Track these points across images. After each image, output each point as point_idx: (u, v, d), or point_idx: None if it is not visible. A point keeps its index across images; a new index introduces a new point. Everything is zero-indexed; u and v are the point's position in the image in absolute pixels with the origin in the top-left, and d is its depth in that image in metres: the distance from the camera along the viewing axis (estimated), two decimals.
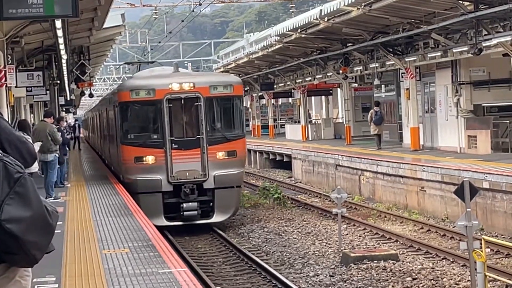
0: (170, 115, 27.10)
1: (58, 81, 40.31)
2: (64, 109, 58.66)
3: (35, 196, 5.47)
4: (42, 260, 14.58)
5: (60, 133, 26.79)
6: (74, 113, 72.59)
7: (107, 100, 42.29)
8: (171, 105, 27.05)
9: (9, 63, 28.27)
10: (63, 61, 35.81)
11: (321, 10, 40.00)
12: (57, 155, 25.23)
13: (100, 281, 11.92)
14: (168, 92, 27.34)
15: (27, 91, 33.33)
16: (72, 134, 54.54)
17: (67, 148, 32.46)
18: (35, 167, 22.22)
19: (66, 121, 49.28)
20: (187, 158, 27.44)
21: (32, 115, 43.72)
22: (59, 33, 25.81)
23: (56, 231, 16.40)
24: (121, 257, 13.86)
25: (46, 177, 24.28)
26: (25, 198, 5.48)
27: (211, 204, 28.24)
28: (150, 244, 15.03)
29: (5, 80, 26.47)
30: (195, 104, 27.52)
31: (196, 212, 27.14)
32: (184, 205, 27.18)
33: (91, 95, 55.05)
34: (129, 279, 12.02)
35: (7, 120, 5.69)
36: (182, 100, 27.53)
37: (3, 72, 26.37)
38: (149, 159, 27.27)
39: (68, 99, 54.90)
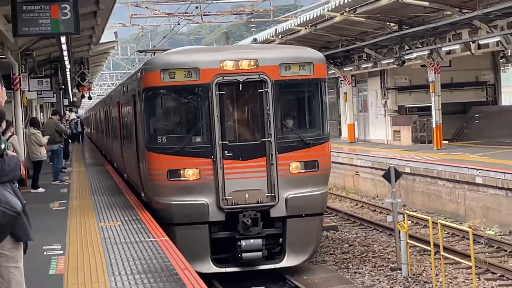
0: (222, 107, 14.12)
1: (63, 86, 40.01)
2: (68, 109, 58.21)
3: None
4: (51, 230, 14.48)
5: (62, 125, 26.73)
6: (76, 112, 71.88)
7: (117, 91, 27.39)
8: (223, 92, 14.10)
9: (23, 71, 28.08)
10: (67, 70, 35.58)
11: (276, 29, 39.85)
12: (61, 146, 25.06)
13: (97, 248, 11.88)
14: (219, 73, 14.12)
15: (37, 94, 32.93)
16: (75, 130, 54.37)
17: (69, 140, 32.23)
18: (44, 156, 22.07)
19: (66, 119, 48.78)
20: (246, 173, 14.18)
21: (41, 113, 43.29)
22: (64, 47, 25.66)
23: (61, 208, 16.29)
24: (114, 228, 13.82)
25: (53, 164, 24.15)
26: None
27: (280, 240, 14.54)
28: (138, 218, 15.00)
29: (20, 85, 26.36)
30: (259, 91, 14.19)
31: (260, 253, 13.96)
32: (243, 242, 13.86)
33: (89, 98, 55.68)
34: (121, 246, 11.99)
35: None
36: (240, 85, 14.21)
37: (18, 79, 26.24)
38: (190, 174, 14.09)
39: (71, 100, 54.63)
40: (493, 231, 19.69)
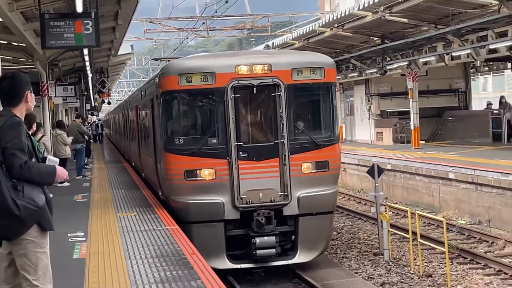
0: (237, 110, 13.30)
1: (85, 93, 40.11)
2: (89, 112, 58.19)
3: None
4: (75, 219, 14.40)
5: (85, 127, 26.86)
6: (97, 116, 71.91)
7: (135, 96, 26.28)
8: (238, 95, 13.28)
9: (50, 79, 28.16)
10: (89, 78, 35.67)
11: (273, 43, 39.87)
12: (84, 145, 25.14)
13: (116, 235, 11.89)
14: (234, 77, 13.32)
15: (63, 100, 32.93)
16: (96, 131, 54.50)
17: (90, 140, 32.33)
18: (68, 154, 22.15)
19: (88, 122, 48.80)
20: (260, 173, 13.38)
21: (66, 116, 43.29)
22: (86, 58, 25.67)
23: (83, 200, 16.27)
24: (131, 218, 13.82)
25: (77, 161, 24.28)
26: None
27: (292, 237, 13.74)
28: (152, 209, 15.00)
29: (47, 92, 26.43)
30: (272, 94, 13.35)
31: (274, 250, 13.16)
32: (257, 240, 13.04)
33: (109, 103, 55.91)
34: (136, 233, 12.02)
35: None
36: (254, 89, 13.31)
37: (46, 86, 26.29)
38: (206, 174, 13.27)
39: (93, 105, 54.69)
40: (464, 220, 19.70)
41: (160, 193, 16.10)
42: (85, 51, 23.31)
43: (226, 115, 13.12)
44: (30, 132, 5.99)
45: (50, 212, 5.68)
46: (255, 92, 13.27)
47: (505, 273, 14.29)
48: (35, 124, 14.96)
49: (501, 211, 18.58)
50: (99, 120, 70.25)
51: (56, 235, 5.94)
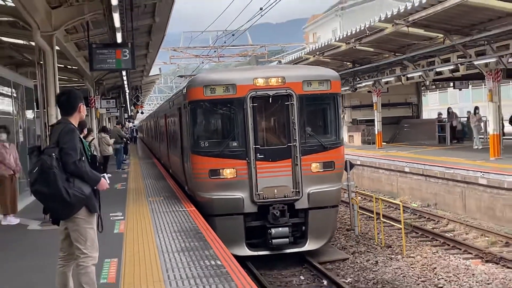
0: (255, 117, 12.52)
1: (124, 105, 40.08)
2: (127, 120, 58.11)
3: (51, 180, 5.41)
4: (116, 202, 14.37)
5: (123, 131, 27.14)
6: (133, 122, 71.91)
7: (163, 106, 25.25)
8: (255, 104, 12.50)
9: (96, 94, 28.20)
10: (127, 94, 35.69)
11: (280, 61, 39.85)
12: (122, 145, 25.32)
13: (146, 215, 11.92)
14: (252, 88, 12.55)
15: (106, 110, 32.90)
16: (131, 135, 54.57)
17: (128, 142, 32.46)
18: (111, 152, 22.20)
19: (126, 127, 48.82)
20: (275, 172, 12.64)
21: (109, 123, 43.25)
22: (124, 78, 25.73)
23: (122, 188, 16.19)
24: (159, 202, 13.85)
25: (117, 157, 24.38)
26: (45, 180, 5.46)
27: (303, 228, 12.94)
28: (175, 195, 15.04)
29: (94, 104, 26.49)
30: (286, 103, 12.54)
31: (287, 239, 12.53)
32: (273, 230, 12.34)
33: (142, 113, 56.32)
34: (162, 214, 12.05)
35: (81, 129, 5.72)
36: (270, 99, 12.54)
37: (93, 100, 26.36)
38: (228, 173, 12.53)
39: (129, 114, 54.55)
40: (416, 204, 19.71)
41: (186, 188, 15.04)
42: (124, 73, 23.39)
43: (246, 122, 12.17)
44: (81, 136, 6.04)
45: (98, 199, 5.73)
46: (270, 101, 12.34)
47: (448, 245, 14.33)
48: (87, 129, 15.08)
49: (445, 197, 18.61)
50: (134, 126, 70.24)
51: (102, 215, 5.97)
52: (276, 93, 12.34)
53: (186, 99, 12.99)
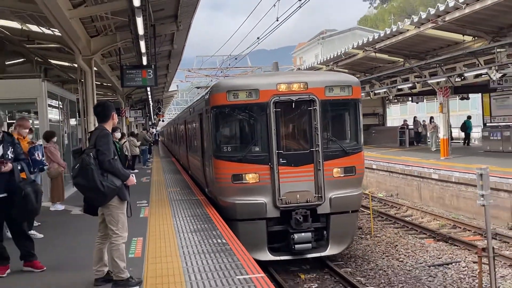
0: (277, 122, 10.24)
1: (148, 114, 40.04)
2: (151, 126, 58.08)
3: (89, 175, 5.43)
4: (142, 192, 14.23)
5: (148, 135, 27.14)
6: (155, 128, 71.92)
7: (181, 115, 23.08)
8: (278, 109, 10.23)
9: (126, 106, 28.21)
10: (150, 106, 35.65)
11: (298, 68, 39.53)
12: (147, 147, 25.35)
13: (166, 203, 11.89)
14: (275, 93, 10.24)
15: (134, 119, 32.92)
16: (154, 138, 54.56)
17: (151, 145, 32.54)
18: (138, 152, 22.22)
19: (150, 132, 48.84)
20: (297, 177, 10.30)
21: (137, 129, 43.22)
22: (149, 93, 25.70)
23: (147, 181, 15.95)
24: (176, 192, 13.82)
25: (143, 156, 24.37)
26: (84, 175, 5.47)
27: (324, 232, 10.58)
28: (189, 186, 15.01)
29: (125, 114, 26.47)
30: (309, 108, 10.32)
31: (310, 244, 10.11)
32: (296, 236, 10.00)
33: (163, 121, 56.19)
34: (179, 201, 12.00)
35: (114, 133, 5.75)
36: (293, 104, 10.28)
37: (123, 110, 26.40)
38: (251, 178, 10.16)
39: (153, 122, 54.55)
40: (382, 194, 19.72)
41: (206, 190, 12.72)
42: (148, 89, 23.36)
43: (269, 126, 10.04)
44: (114, 139, 6.05)
45: (127, 190, 5.74)
46: (293, 106, 10.17)
47: (407, 227, 14.31)
48: (120, 134, 15.16)
49: (405, 188, 18.61)
50: (156, 131, 70.24)
51: (130, 202, 5.97)
52: (299, 98, 10.17)
53: (209, 104, 10.70)
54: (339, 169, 10.22)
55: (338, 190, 10.13)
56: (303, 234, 9.89)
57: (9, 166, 6.03)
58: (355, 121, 10.77)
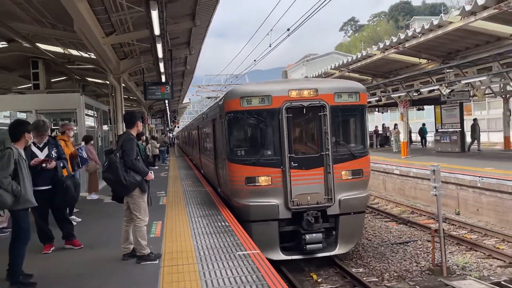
0: (289, 127, 8.26)
1: (166, 122, 40.03)
2: (168, 132, 58.06)
3: (115, 171, 5.43)
4: (161, 185, 14.09)
5: (166, 138, 27.06)
6: (172, 133, 71.91)
7: (196, 120, 20.87)
8: (290, 115, 8.29)
9: (148, 115, 28.14)
10: (168, 115, 35.59)
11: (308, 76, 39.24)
12: (165, 148, 25.26)
13: (180, 193, 11.84)
14: (287, 99, 8.32)
15: (155, 125, 33.03)
16: (171, 141, 54.47)
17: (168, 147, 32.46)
18: (158, 152, 22.16)
19: (168, 136, 48.76)
20: (309, 179, 8.36)
21: (157, 133, 43.15)
22: (166, 104, 25.64)
23: (164, 175, 15.72)
24: (188, 184, 13.77)
25: (162, 156, 24.29)
26: (111, 171, 5.47)
27: (333, 232, 8.70)
28: (199, 180, 14.97)
29: (147, 121, 26.38)
30: (319, 114, 8.39)
31: (321, 244, 8.26)
32: (307, 236, 8.20)
33: (178, 127, 56.06)
34: (190, 192, 11.94)
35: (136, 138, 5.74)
36: (304, 109, 8.37)
37: (146, 119, 26.30)
38: (264, 181, 8.25)
39: (170, 128, 54.47)
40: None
41: (219, 190, 11.16)
42: (166, 101, 23.33)
43: (281, 131, 8.54)
44: (140, 142, 6.08)
45: (147, 184, 5.74)
46: (304, 112, 8.68)
47: (374, 213, 14.20)
48: (146, 138, 15.16)
49: (373, 181, 18.48)
50: (173, 135, 70.18)
51: (151, 193, 5.98)
52: (310, 104, 8.68)
53: (223, 110, 9.14)
54: (347, 172, 8.78)
55: (346, 192, 8.68)
56: (314, 234, 8.47)
57: (53, 163, 6.18)
58: (362, 126, 9.26)
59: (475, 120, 21.80)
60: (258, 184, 8.49)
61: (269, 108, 8.56)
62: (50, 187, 6.17)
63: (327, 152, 8.56)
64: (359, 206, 8.83)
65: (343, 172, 8.67)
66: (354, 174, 8.77)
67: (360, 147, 9.04)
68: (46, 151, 6.29)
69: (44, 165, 6.08)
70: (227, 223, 7.76)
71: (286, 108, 8.51)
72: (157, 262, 5.56)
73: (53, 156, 6.30)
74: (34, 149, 6.22)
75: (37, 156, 6.18)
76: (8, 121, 12.31)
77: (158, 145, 22.26)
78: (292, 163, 8.49)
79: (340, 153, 8.72)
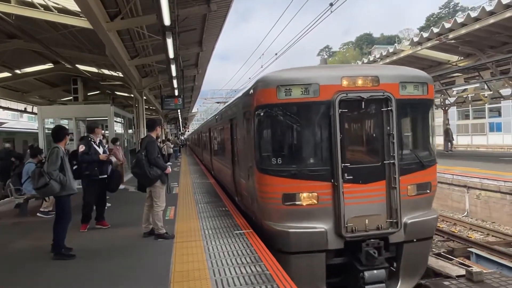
0: (343, 127, 3.30)
1: (178, 127, 39.93)
2: (180, 135, 57.91)
3: (142, 167, 5.47)
4: (175, 178, 13.82)
5: (178, 141, 26.95)
6: (183, 136, 71.84)
7: (207, 122, 15.21)
8: (345, 110, 3.27)
9: (165, 121, 28.05)
10: (180, 121, 35.55)
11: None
12: (178, 148, 25.19)
13: (190, 185, 11.75)
14: (340, 89, 3.25)
15: (169, 130, 32.92)
16: (182, 143, 54.25)
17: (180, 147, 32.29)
18: (171, 151, 22.06)
19: (180, 139, 48.55)
20: (366, 197, 3.53)
21: (171, 136, 42.98)
22: (179, 113, 25.60)
23: (177, 170, 15.39)
24: (197, 178, 13.67)
25: (175, 155, 24.22)
26: (139, 167, 5.50)
27: (393, 264, 3.63)
28: (205, 175, 14.86)
29: (163, 127, 26.28)
30: (382, 109, 3.32)
31: (384, 284, 3.34)
32: (366, 274, 3.38)
33: (188, 131, 56.08)
34: (198, 184, 11.83)
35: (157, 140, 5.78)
36: (363, 103, 3.28)
37: (163, 124, 26.15)
38: (307, 198, 3.47)
39: (181, 132, 54.35)
40: None
41: (236, 199, 7.57)
42: (178, 111, 23.28)
43: (333, 133, 4.89)
44: (158, 143, 6.15)
45: (167, 177, 5.79)
46: (363, 106, 4.97)
47: None
48: (162, 140, 15.07)
49: None
50: (184, 138, 70.02)
51: (169, 184, 6.04)
52: (372, 96, 5.00)
53: (252, 103, 5.33)
54: (413, 186, 5.24)
55: (412, 212, 5.20)
56: (375, 271, 4.93)
57: (112, 157, 6.91)
58: (429, 126, 5.55)
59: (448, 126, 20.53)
60: (300, 203, 4.97)
61: (316, 100, 4.95)
62: (106, 176, 6.49)
63: (392, 161, 5.05)
64: (429, 231, 5.39)
65: (409, 187, 5.18)
66: (420, 189, 5.26)
67: (427, 154, 5.41)
68: (101, 148, 6.56)
69: (108, 159, 6.53)
70: (226, 208, 7.78)
71: (340, 101, 4.91)
72: (171, 239, 5.60)
73: (106, 152, 6.62)
74: (94, 146, 6.55)
75: (99, 152, 6.42)
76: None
77: (172, 146, 22.22)
78: (346, 175, 4.97)
79: (406, 161, 5.20)
